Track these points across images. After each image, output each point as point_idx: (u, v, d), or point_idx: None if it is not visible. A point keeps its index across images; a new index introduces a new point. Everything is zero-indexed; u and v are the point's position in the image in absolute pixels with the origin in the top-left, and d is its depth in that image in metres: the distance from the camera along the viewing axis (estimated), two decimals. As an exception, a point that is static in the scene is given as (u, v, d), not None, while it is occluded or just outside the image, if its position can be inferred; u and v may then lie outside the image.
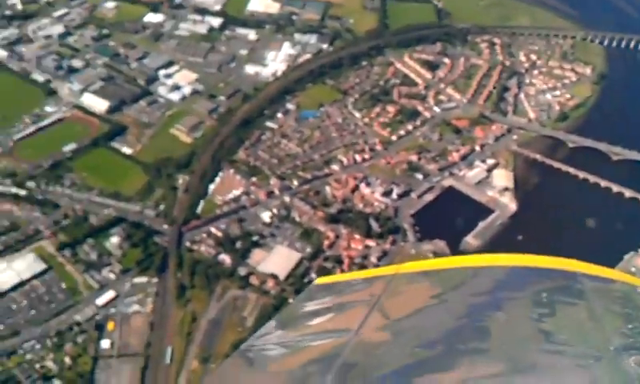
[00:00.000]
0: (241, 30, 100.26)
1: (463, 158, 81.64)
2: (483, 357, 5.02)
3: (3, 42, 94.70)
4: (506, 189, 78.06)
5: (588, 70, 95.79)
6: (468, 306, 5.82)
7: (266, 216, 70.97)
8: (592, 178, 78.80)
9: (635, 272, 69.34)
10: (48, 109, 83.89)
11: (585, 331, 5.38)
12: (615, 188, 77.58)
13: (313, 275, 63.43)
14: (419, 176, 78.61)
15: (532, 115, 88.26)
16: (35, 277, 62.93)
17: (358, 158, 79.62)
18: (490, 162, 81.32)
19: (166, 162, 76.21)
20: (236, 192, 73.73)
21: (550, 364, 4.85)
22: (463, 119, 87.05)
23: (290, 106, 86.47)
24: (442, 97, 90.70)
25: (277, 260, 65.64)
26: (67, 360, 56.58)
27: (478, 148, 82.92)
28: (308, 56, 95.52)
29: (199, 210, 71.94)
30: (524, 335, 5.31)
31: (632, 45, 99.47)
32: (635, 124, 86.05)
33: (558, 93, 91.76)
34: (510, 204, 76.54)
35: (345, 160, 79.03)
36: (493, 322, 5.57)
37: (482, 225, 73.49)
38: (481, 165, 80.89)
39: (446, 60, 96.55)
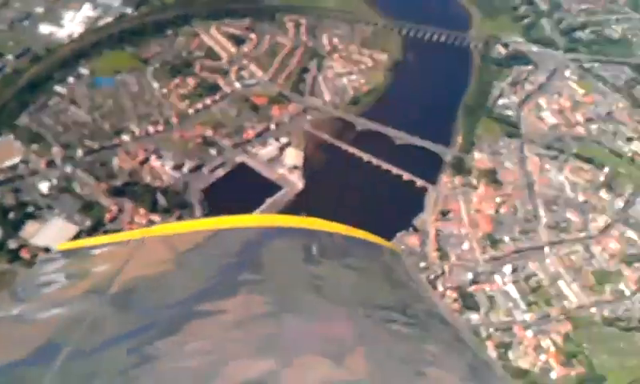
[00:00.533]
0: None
1: (258, 135, 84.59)
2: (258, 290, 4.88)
3: None
4: (295, 167, 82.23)
5: (384, 57, 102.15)
6: (231, 256, 5.51)
7: (44, 186, 69.32)
8: (375, 161, 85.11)
9: (404, 249, 76.72)
10: None
11: (351, 287, 5.32)
12: (395, 170, 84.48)
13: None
14: (213, 151, 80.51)
15: (327, 98, 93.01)
16: None
17: (151, 129, 79.78)
18: (284, 140, 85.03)
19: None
20: (14, 160, 71.03)
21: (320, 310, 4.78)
22: (262, 97, 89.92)
23: (83, 70, 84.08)
24: (244, 73, 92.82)
25: (51, 233, 64.49)
26: None
27: (273, 126, 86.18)
28: (109, 19, 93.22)
29: (-29, 177, 68.85)
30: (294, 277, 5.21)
31: (428, 35, 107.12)
32: (420, 112, 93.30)
33: (353, 77, 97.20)
34: (298, 182, 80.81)
35: (137, 131, 78.90)
36: (264, 260, 5.43)
37: (269, 201, 76.97)
38: (274, 143, 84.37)
39: (253, 36, 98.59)
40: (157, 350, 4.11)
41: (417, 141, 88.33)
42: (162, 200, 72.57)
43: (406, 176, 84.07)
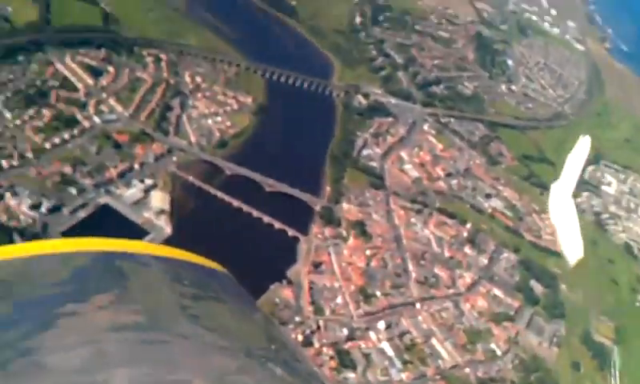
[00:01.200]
0: None
1: (121, 175, 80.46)
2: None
3: None
4: (163, 211, 79.18)
5: (249, 100, 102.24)
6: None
7: None
8: (245, 207, 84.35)
9: (279, 302, 76.53)
10: None
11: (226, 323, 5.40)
12: (266, 218, 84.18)
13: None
14: (73, 191, 75.19)
15: (193, 139, 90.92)
16: None
17: (4, 163, 72.81)
18: (149, 181, 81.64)
19: None
20: None
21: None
22: (124, 134, 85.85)
23: None
24: (103, 107, 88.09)
25: None
26: None
27: (137, 166, 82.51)
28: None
29: None
30: None
31: (291, 81, 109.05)
32: (288, 158, 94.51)
33: (219, 119, 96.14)
34: (166, 227, 77.83)
35: (-13, 165, 71.82)
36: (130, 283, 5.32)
37: (135, 247, 73.15)
38: (139, 184, 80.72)
39: (110, 68, 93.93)
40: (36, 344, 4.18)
41: (286, 188, 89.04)
42: (19, 241, 66.25)
43: (278, 225, 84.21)
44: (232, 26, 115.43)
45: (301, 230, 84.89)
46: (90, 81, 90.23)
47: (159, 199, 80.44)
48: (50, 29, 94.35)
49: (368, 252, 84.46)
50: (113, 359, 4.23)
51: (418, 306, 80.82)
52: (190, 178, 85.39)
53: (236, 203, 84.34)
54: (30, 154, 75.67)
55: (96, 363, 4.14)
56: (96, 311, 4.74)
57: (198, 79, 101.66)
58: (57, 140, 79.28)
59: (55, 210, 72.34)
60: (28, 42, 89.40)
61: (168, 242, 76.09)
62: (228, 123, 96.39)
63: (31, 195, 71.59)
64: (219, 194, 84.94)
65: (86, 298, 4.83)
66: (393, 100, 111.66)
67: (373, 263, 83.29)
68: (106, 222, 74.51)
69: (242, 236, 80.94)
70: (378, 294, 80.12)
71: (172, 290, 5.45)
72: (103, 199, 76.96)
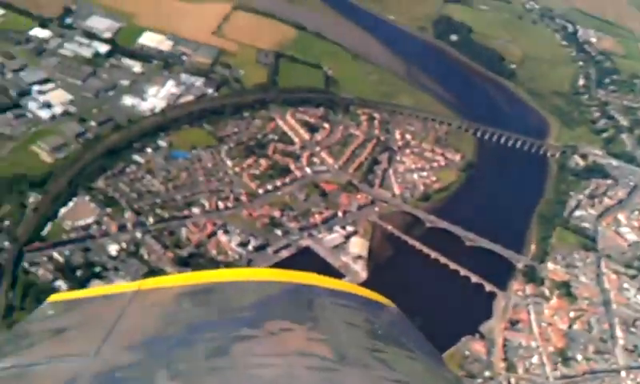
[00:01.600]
0: (127, 61, 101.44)
1: (325, 221, 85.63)
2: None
3: None
4: (360, 257, 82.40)
5: (457, 157, 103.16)
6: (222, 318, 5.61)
7: (113, 249, 71.55)
8: (443, 259, 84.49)
9: (469, 355, 74.93)
10: None
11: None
12: (463, 271, 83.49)
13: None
14: (279, 232, 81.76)
15: (397, 191, 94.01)
16: None
17: (221, 204, 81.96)
18: (350, 229, 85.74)
19: (20, 179, 75.58)
20: (87, 220, 73.92)
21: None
22: (332, 184, 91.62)
23: (161, 143, 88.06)
24: (315, 159, 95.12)
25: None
26: None
27: (340, 214, 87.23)
28: (191, 98, 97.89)
29: (45, 232, 71.60)
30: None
31: (503, 139, 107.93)
32: (492, 215, 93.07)
33: (424, 174, 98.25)
34: (362, 272, 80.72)
35: (207, 205, 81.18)
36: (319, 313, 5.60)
37: (330, 288, 76.82)
38: (340, 230, 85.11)
39: (326, 125, 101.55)
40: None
41: (487, 244, 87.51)
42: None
43: (475, 278, 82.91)
44: (447, 88, 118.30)
45: (499, 286, 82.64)
46: (306, 136, 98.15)
47: (358, 245, 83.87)
48: (276, 89, 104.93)
49: (572, 314, 79.38)
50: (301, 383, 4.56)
51: (623, 373, 73.71)
52: (390, 228, 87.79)
53: (433, 255, 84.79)
54: (244, 198, 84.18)
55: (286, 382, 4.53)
56: (286, 335, 5.15)
57: (408, 136, 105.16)
58: (269, 186, 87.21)
59: (261, 248, 79.01)
60: (254, 100, 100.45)
61: (362, 285, 79.13)
62: (433, 178, 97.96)
63: (241, 234, 79.26)
64: (417, 245, 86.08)
65: (271, 320, 5.31)
66: (614, 162, 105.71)
67: (576, 326, 78.04)
68: (306, 262, 79.39)
69: (436, 286, 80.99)
70: (579, 357, 74.60)
71: (362, 329, 5.69)
72: (306, 242, 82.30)
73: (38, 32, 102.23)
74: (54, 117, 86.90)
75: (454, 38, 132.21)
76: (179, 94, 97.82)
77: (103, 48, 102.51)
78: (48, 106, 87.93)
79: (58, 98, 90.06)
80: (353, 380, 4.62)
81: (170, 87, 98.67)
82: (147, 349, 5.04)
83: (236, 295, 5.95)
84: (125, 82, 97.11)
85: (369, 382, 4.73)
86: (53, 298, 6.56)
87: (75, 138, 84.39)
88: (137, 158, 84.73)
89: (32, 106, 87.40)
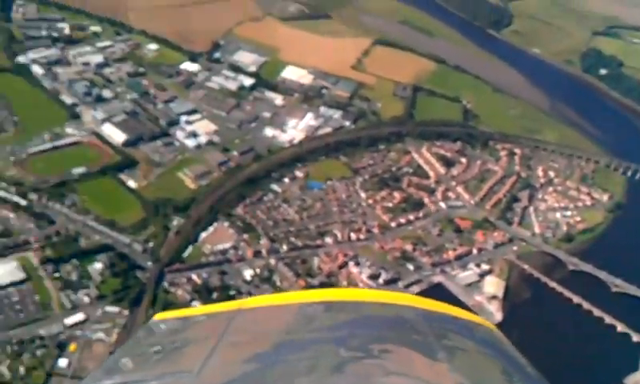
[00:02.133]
0: (269, 94, 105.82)
1: (458, 257, 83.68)
2: None
3: (43, 61, 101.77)
4: (495, 297, 79.57)
5: (605, 197, 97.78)
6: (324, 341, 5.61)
7: (248, 273, 73.98)
8: (586, 305, 79.74)
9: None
10: (68, 130, 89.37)
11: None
12: (608, 319, 78.37)
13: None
14: (410, 266, 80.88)
15: (537, 230, 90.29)
16: (12, 285, 66.57)
17: (353, 236, 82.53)
18: (485, 267, 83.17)
19: (166, 203, 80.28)
20: (225, 245, 77.09)
21: None
22: (467, 220, 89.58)
23: (298, 173, 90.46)
24: (450, 194, 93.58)
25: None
26: (22, 370, 59.34)
27: (475, 251, 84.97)
28: (328, 130, 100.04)
29: (185, 254, 75.40)
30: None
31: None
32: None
33: (568, 213, 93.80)
34: (496, 313, 77.83)
35: (339, 235, 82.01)
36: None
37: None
38: (474, 268, 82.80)
39: (463, 160, 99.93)
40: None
41: (636, 291, 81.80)
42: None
43: (621, 327, 77.52)
44: (595, 123, 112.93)
45: (648, 337, 76.63)
46: (442, 170, 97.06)
47: (493, 285, 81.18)
48: (412, 122, 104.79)
49: None
50: None
51: None
52: (528, 268, 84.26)
53: (576, 299, 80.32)
54: (376, 230, 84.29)
55: None
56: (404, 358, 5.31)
57: (551, 173, 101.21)
58: (402, 220, 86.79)
59: (392, 282, 78.39)
60: (390, 133, 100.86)
61: (496, 327, 76.23)
62: (578, 218, 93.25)
63: (372, 266, 79.24)
64: (558, 288, 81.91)
65: (399, 345, 5.50)
66: None
67: None
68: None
69: (578, 333, 76.45)
70: None
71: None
72: (438, 278, 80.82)
73: (188, 66, 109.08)
74: (199, 146, 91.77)
75: (603, 71, 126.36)
76: (317, 126, 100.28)
77: (248, 81, 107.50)
78: (194, 135, 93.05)
79: (204, 127, 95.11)
80: None
81: (309, 119, 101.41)
82: (252, 365, 5.16)
83: (342, 315, 6.08)
84: (266, 114, 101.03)
85: None
86: (159, 316, 6.87)
87: (218, 167, 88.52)
88: (274, 187, 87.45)
89: (180, 135, 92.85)
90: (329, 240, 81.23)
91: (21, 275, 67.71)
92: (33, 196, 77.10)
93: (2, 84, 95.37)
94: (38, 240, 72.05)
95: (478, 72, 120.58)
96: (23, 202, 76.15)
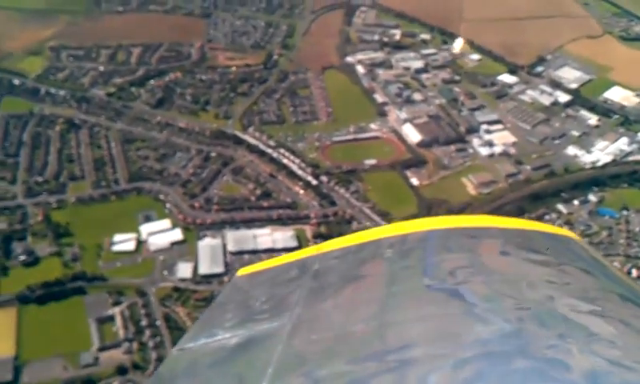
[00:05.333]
0: (584, 113, 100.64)
1: None
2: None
3: (367, 62, 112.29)
4: None
5: None
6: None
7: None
8: None
9: None
10: (372, 126, 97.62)
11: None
12: None
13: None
14: None
15: None
16: (284, 250, 76.07)
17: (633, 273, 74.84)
18: None
19: (441, 203, 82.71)
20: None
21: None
22: None
23: (592, 197, 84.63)
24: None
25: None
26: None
27: None
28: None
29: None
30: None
31: None
32: None
33: None
34: None
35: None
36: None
37: None
38: None
39: None
40: None
41: None
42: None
43: None
44: None
45: None
46: None
47: None
48: None
49: None
50: None
51: None
52: None
53: None
54: (669, 272, 74.85)
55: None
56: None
57: None
58: None
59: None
60: None
61: None
62: None
63: None
64: None
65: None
66: None
67: None
68: None
69: None
70: None
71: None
72: None
73: (506, 77, 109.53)
74: (492, 155, 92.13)
75: None
76: (628, 151, 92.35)
77: (564, 98, 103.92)
78: (490, 144, 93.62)
79: (503, 139, 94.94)
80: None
81: (622, 143, 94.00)
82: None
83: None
84: (575, 133, 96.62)
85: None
86: (242, 271, 7.17)
87: (505, 178, 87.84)
88: (560, 207, 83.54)
89: (475, 142, 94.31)
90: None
91: (294, 244, 76.90)
92: (324, 178, 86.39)
93: (328, 78, 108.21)
94: (316, 216, 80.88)
95: None
96: (314, 182, 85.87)
